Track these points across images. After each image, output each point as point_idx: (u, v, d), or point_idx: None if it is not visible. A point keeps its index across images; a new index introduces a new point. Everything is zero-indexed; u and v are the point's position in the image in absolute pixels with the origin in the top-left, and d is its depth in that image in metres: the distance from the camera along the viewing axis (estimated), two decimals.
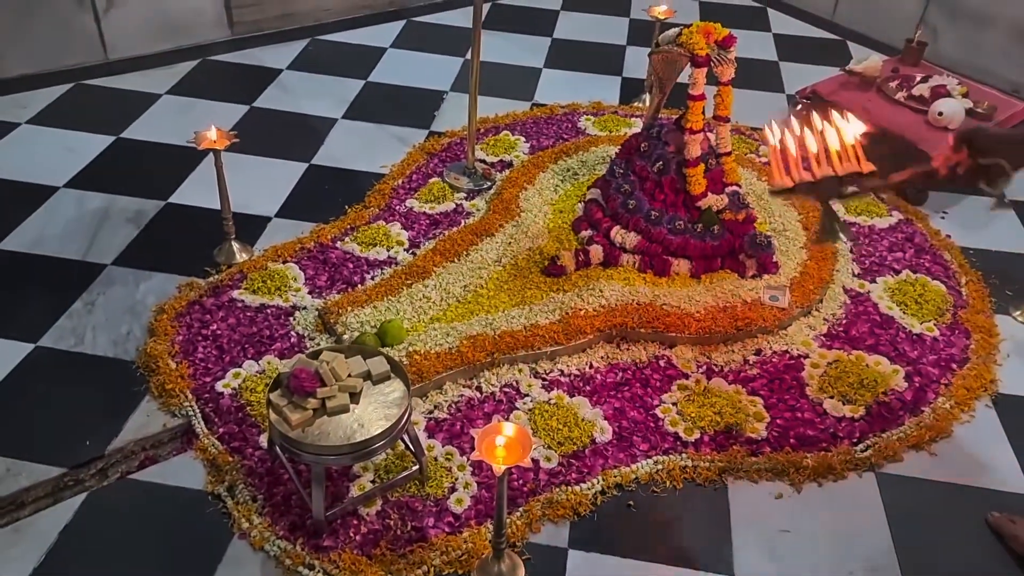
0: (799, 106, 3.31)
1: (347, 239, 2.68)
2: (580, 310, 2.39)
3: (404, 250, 2.66)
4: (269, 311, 2.39)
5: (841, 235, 1.74)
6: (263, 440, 2.02)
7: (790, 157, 1.67)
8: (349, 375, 1.81)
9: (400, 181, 2.99)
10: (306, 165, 3.09)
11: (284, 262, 2.57)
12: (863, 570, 1.88)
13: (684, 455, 2.09)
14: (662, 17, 3.33)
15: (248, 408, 2.11)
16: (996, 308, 2.63)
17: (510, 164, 3.11)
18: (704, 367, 2.33)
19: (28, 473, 1.93)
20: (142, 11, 3.62)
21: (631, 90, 3.75)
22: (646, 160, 2.66)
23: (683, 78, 2.58)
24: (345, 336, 2.27)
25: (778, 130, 1.70)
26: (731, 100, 2.57)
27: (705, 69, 2.48)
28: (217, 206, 2.54)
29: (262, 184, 2.94)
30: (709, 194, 2.59)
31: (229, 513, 1.90)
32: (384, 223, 2.77)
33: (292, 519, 1.87)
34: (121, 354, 2.26)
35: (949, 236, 2.93)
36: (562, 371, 2.29)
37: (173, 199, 2.85)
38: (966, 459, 2.15)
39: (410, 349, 2.23)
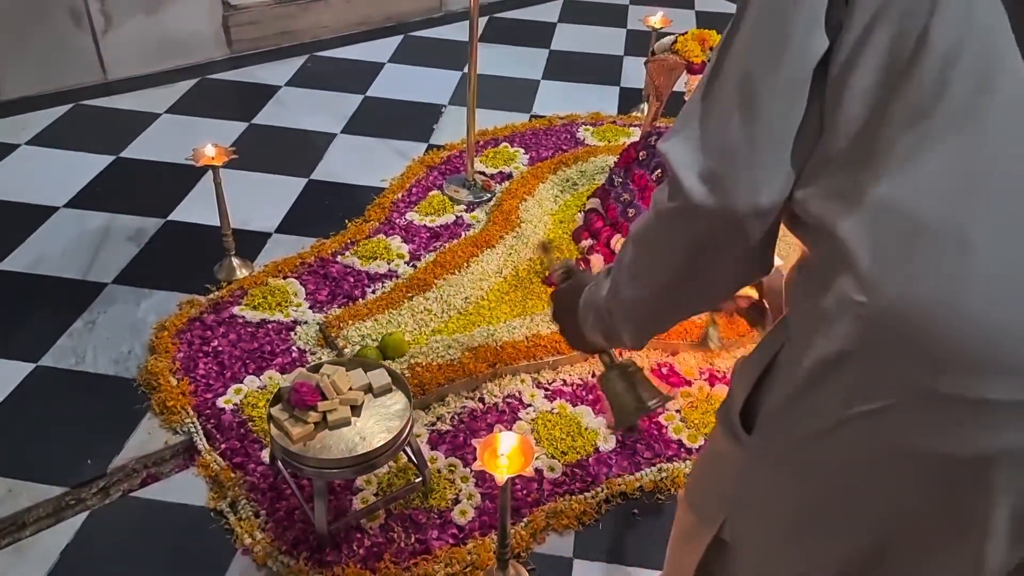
0: None
1: (347, 253, 2.68)
2: None
3: (405, 263, 2.66)
4: (270, 326, 2.39)
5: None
6: (265, 455, 2.01)
7: None
8: (350, 388, 1.80)
9: (400, 195, 2.99)
10: (306, 180, 3.09)
11: (285, 277, 2.57)
12: None
13: (688, 462, 2.08)
14: (658, 26, 3.34)
15: (250, 424, 2.10)
16: None
17: (510, 176, 3.11)
18: (707, 374, 2.32)
19: (29, 493, 1.92)
20: (140, 31, 3.63)
21: (629, 100, 3.76)
22: (645, 168, 2.66)
23: (680, 86, 2.58)
24: (347, 350, 2.27)
25: None
26: None
27: (701, 76, 2.48)
28: (217, 223, 2.54)
29: (262, 200, 2.95)
30: None
31: (232, 529, 1.88)
32: (384, 237, 2.77)
33: (295, 534, 1.86)
34: (122, 372, 2.25)
35: None
36: (564, 380, 2.28)
37: (173, 217, 2.85)
38: None
39: (412, 361, 2.22)
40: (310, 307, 2.47)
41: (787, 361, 0.92)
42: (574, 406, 2.20)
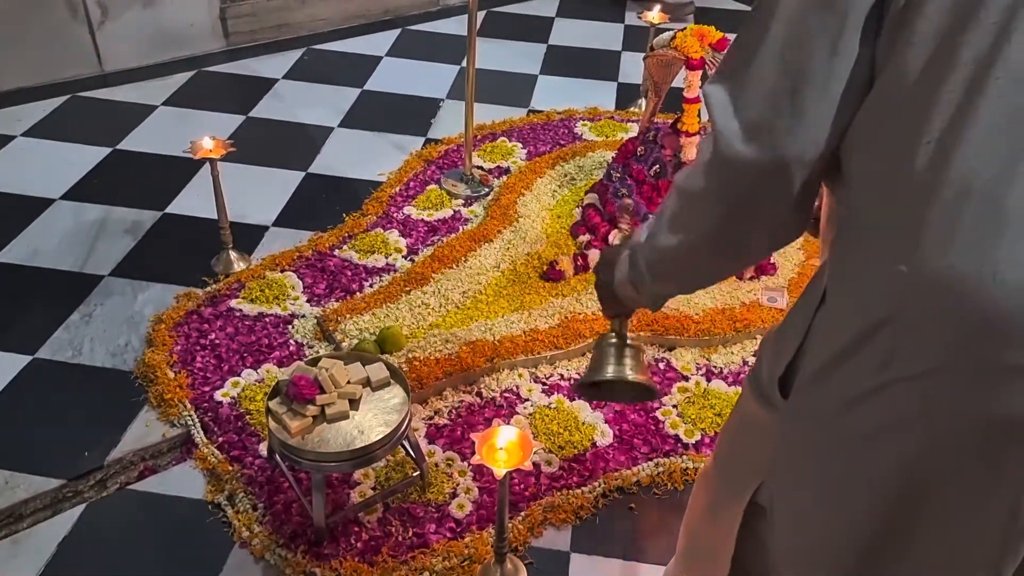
0: None
1: (345, 247, 2.68)
2: (579, 314, 2.38)
3: (402, 257, 2.66)
4: (267, 320, 2.39)
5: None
6: (263, 448, 2.01)
7: None
8: (348, 382, 1.80)
9: (397, 188, 2.98)
10: (303, 174, 3.09)
11: (282, 271, 2.57)
12: None
13: (685, 457, 2.08)
14: (656, 22, 3.34)
15: (247, 417, 2.10)
16: None
17: (507, 170, 3.11)
18: (703, 369, 2.33)
19: (26, 485, 1.92)
20: (137, 23, 3.62)
21: (627, 95, 3.76)
22: (643, 164, 2.66)
23: (678, 82, 2.58)
24: (344, 344, 2.27)
25: None
26: None
27: (700, 72, 2.48)
28: (214, 216, 2.53)
29: (259, 193, 2.94)
30: None
31: (229, 522, 1.88)
32: (382, 230, 2.76)
33: (293, 527, 1.86)
34: (119, 365, 2.25)
35: None
36: (562, 375, 2.28)
37: (170, 209, 2.85)
38: None
39: (409, 355, 2.22)
40: (307, 300, 2.47)
41: (824, 326, 0.91)
42: (571, 400, 2.21)
